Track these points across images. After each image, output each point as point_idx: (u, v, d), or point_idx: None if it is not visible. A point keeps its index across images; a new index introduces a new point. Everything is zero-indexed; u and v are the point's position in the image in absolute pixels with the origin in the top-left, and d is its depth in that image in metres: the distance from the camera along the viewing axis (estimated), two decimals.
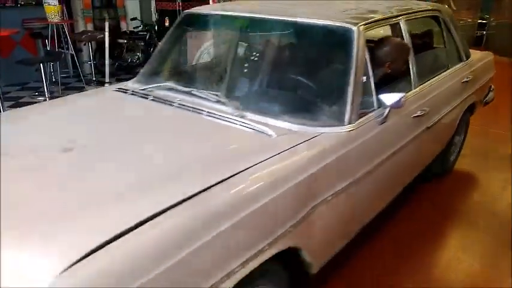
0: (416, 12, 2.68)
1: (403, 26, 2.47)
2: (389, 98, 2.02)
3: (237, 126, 1.87)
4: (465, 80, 3.16)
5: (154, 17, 7.33)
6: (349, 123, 1.91)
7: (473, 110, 3.63)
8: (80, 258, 1.08)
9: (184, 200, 1.32)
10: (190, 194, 1.34)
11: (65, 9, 6.39)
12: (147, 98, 2.22)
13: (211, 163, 1.57)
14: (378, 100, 2.06)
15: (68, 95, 2.75)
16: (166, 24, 6.28)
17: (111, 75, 6.34)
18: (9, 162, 1.56)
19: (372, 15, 2.22)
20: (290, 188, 1.56)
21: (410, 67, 2.48)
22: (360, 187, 1.96)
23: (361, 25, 2.06)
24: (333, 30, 2.08)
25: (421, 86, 2.54)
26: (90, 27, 7.15)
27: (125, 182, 1.44)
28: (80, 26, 7.06)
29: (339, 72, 2.05)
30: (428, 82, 2.65)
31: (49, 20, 5.87)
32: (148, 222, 1.22)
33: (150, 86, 2.33)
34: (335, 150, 1.80)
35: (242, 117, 1.93)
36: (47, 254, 1.12)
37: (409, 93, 2.43)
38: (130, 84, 2.50)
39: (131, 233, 1.18)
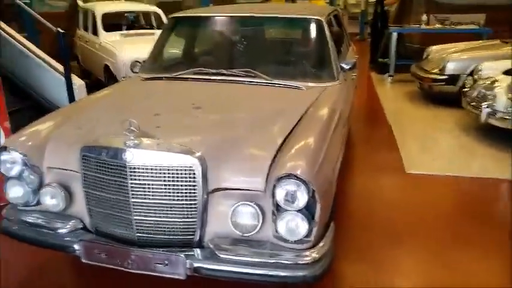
0: (334, 11, 3.94)
1: (332, 19, 3.67)
2: (347, 64, 3.16)
3: (275, 87, 2.74)
4: (356, 57, 4.58)
5: None
6: (338, 79, 2.98)
7: None
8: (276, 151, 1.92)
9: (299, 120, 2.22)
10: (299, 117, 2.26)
11: None
12: (186, 80, 2.87)
13: (288, 105, 2.44)
14: (341, 66, 3.17)
15: None
16: None
17: None
18: (169, 117, 2.18)
19: (324, 12, 3.35)
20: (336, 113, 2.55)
21: (343, 46, 3.70)
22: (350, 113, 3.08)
23: (324, 17, 3.16)
24: (308, 21, 3.17)
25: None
26: None
27: (255, 120, 2.21)
28: None
29: (323, 51, 3.10)
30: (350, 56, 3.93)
31: None
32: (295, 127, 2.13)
33: (180, 72, 2.96)
34: (339, 93, 2.85)
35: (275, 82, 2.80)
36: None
37: None
38: (146, 75, 3.06)
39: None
